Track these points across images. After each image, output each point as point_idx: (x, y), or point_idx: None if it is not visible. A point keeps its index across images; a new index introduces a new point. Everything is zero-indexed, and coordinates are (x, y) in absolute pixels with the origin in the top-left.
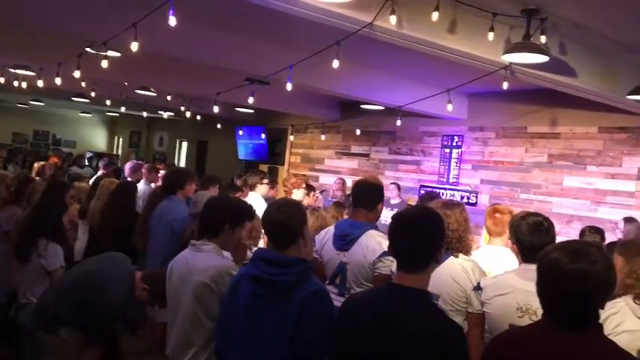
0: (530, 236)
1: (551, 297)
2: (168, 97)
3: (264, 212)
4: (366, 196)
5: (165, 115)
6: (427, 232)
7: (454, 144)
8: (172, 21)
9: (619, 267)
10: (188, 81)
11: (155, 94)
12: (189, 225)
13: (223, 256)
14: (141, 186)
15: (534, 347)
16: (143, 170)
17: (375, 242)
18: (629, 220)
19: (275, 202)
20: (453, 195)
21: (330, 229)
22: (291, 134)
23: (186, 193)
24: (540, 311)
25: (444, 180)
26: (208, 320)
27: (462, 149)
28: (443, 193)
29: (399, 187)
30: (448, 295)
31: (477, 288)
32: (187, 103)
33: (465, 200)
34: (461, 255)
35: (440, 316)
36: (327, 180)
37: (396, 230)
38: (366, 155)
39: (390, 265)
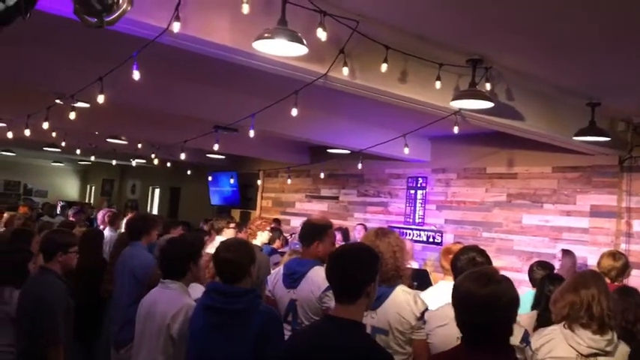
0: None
1: (467, 322)
2: (139, 145)
3: (215, 251)
4: (305, 234)
5: (134, 162)
6: (355, 268)
7: (419, 185)
8: (136, 75)
9: (555, 297)
10: (158, 129)
11: (126, 142)
12: (155, 269)
13: (189, 294)
14: (106, 232)
15: None
16: (106, 218)
17: (320, 278)
18: (566, 252)
19: (225, 241)
20: (420, 235)
21: (280, 269)
22: (260, 179)
23: (151, 238)
24: None
25: (410, 220)
26: (164, 356)
27: (427, 190)
28: (409, 233)
29: (365, 228)
30: (397, 329)
31: (421, 317)
32: (156, 150)
33: (431, 240)
34: (402, 287)
35: (369, 345)
36: (298, 223)
37: (329, 266)
38: (336, 198)
39: None
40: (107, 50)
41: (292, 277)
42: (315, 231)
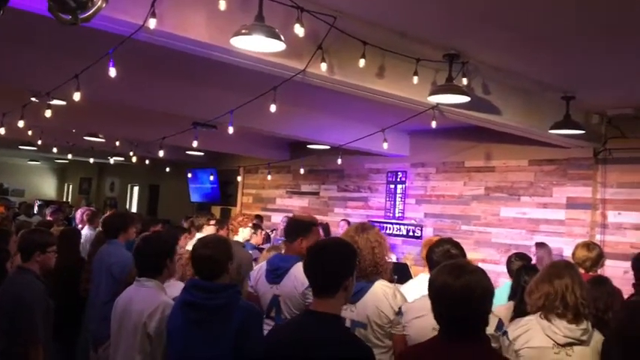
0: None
1: (443, 314)
2: (117, 143)
3: (193, 248)
4: (290, 230)
5: (112, 160)
6: (332, 263)
7: (398, 180)
8: (113, 72)
9: (530, 289)
10: (136, 126)
11: (103, 140)
12: (132, 267)
13: (165, 292)
14: (85, 231)
15: (427, 358)
16: (84, 216)
17: (303, 274)
18: (540, 245)
19: (203, 238)
20: (400, 229)
21: (264, 265)
22: (240, 176)
23: (129, 236)
24: None
25: (391, 215)
26: (141, 355)
27: (406, 185)
28: (389, 227)
29: (349, 224)
30: (375, 323)
31: (399, 312)
32: (135, 147)
33: (411, 234)
34: (381, 282)
35: (348, 338)
36: (279, 219)
37: (307, 260)
38: (316, 193)
39: None
40: (83, 47)
41: (275, 273)
42: (300, 228)
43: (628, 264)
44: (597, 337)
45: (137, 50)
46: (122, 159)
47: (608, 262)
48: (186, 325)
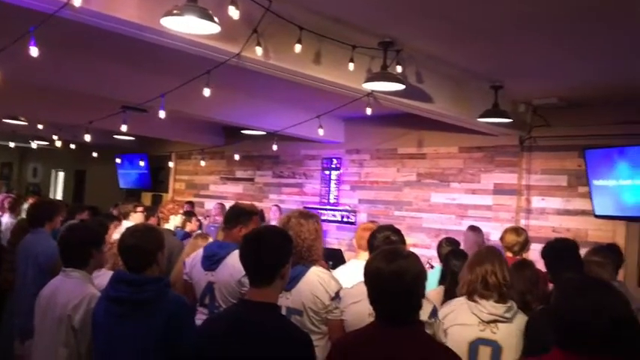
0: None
1: (378, 299)
2: (40, 126)
3: (120, 237)
4: (231, 217)
5: (35, 144)
6: (269, 251)
7: (333, 166)
8: (34, 52)
9: (460, 277)
10: (60, 109)
11: (25, 124)
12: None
13: (93, 283)
14: (5, 219)
15: (365, 344)
16: (6, 203)
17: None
18: (470, 228)
19: (130, 227)
20: (334, 215)
21: (200, 252)
22: (172, 161)
23: (54, 224)
24: None
25: (325, 201)
26: (66, 348)
27: (341, 171)
28: (324, 214)
29: (280, 209)
30: (311, 309)
31: (336, 297)
32: (59, 131)
33: (346, 219)
34: (316, 268)
35: (285, 326)
36: (212, 206)
37: (243, 249)
38: (251, 180)
39: None
40: (2, 25)
41: (212, 260)
42: (240, 215)
43: None
44: (521, 317)
45: (62, 29)
46: (46, 143)
47: (532, 246)
48: (110, 320)
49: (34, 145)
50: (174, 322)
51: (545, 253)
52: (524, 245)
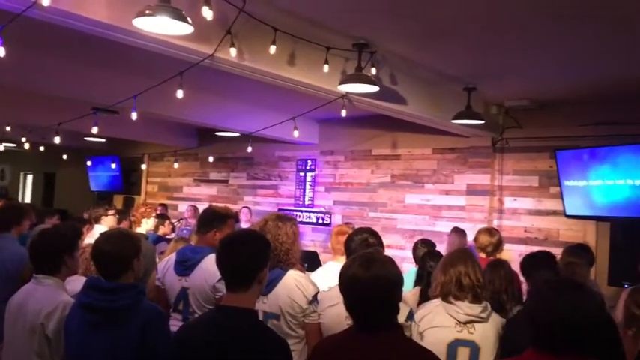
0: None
1: (354, 305)
2: (8, 128)
3: (94, 243)
4: (205, 220)
5: (2, 146)
6: (247, 255)
7: (308, 168)
8: (1, 52)
9: (433, 278)
10: (29, 110)
11: None
12: (28, 262)
13: (66, 290)
14: None
15: (342, 349)
16: None
17: (215, 266)
18: (454, 230)
19: (105, 232)
20: (309, 217)
21: (172, 257)
22: (144, 163)
23: (22, 229)
24: None
25: (300, 202)
26: (39, 358)
27: (316, 173)
28: (299, 215)
29: (250, 211)
30: (288, 313)
31: (314, 300)
32: (28, 133)
33: (321, 221)
34: (293, 271)
35: (263, 332)
36: (185, 209)
37: (220, 252)
38: (225, 182)
39: None
40: None
41: (185, 265)
42: (215, 219)
43: (523, 247)
44: (496, 317)
45: (31, 29)
46: (14, 145)
47: (505, 246)
48: (85, 327)
49: (1, 147)
50: (149, 330)
51: (522, 269)
52: (498, 246)
